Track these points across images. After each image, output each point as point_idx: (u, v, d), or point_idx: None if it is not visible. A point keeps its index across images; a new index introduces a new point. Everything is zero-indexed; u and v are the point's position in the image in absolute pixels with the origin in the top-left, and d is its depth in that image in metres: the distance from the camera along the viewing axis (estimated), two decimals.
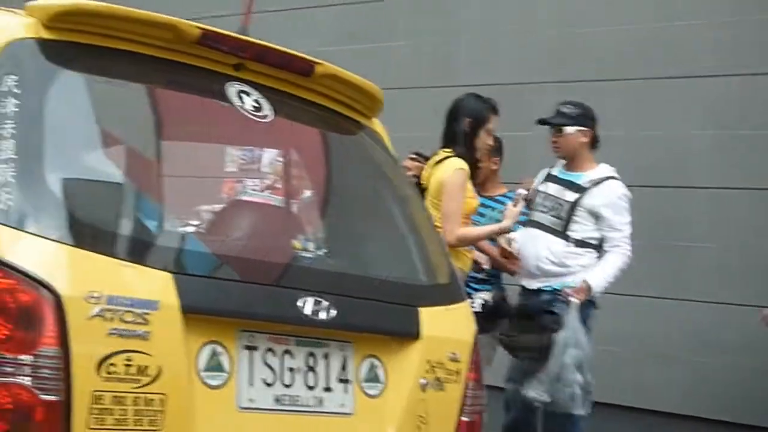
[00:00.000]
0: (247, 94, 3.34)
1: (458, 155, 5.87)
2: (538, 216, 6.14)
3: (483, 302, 6.10)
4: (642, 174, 7.08)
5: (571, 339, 5.75)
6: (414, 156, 7.49)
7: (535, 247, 6.06)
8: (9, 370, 2.58)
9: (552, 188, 6.15)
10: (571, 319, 5.79)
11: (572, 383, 5.74)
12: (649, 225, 6.68)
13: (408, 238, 3.72)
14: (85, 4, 3.02)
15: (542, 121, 6.24)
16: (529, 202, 6.17)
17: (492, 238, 6.21)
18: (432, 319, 3.43)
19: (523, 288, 6.19)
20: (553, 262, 6.01)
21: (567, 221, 6.01)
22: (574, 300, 5.83)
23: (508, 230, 5.96)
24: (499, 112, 6.06)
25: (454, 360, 3.48)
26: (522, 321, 5.99)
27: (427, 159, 7.28)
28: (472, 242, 5.94)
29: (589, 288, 5.90)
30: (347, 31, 9.24)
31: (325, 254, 3.61)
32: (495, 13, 8.58)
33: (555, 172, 6.24)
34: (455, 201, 5.76)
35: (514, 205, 5.89)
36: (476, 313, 5.61)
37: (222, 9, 8.17)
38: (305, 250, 3.54)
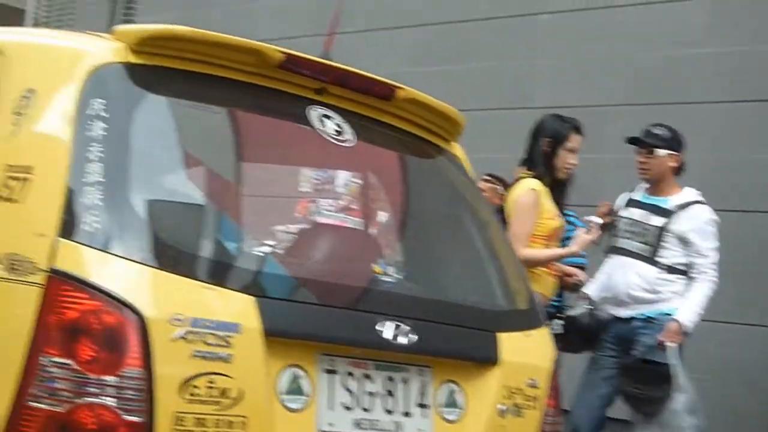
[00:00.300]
0: (329, 118, 3.35)
1: (537, 176, 5.83)
2: (623, 243, 6.01)
3: (574, 319, 5.93)
4: (727, 198, 6.97)
5: (676, 384, 5.68)
6: (487, 177, 7.45)
7: (625, 274, 5.94)
8: (93, 390, 2.61)
9: (636, 213, 6.02)
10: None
11: (684, 429, 5.65)
12: (734, 250, 6.57)
13: (487, 262, 3.71)
14: (172, 29, 3.06)
15: (633, 140, 6.09)
16: (606, 227, 6.06)
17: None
18: (511, 344, 3.41)
19: (614, 317, 6.09)
20: (644, 289, 5.90)
21: (656, 247, 5.89)
22: (671, 345, 5.75)
23: (575, 254, 5.88)
24: (583, 132, 5.99)
25: (533, 386, 3.46)
26: (638, 373, 5.86)
27: (501, 180, 7.26)
28: (538, 264, 5.71)
29: (680, 327, 5.80)
30: (426, 51, 9.24)
31: (404, 278, 3.60)
32: (572, 36, 8.53)
33: (637, 196, 6.11)
34: (523, 220, 5.68)
35: (587, 233, 5.81)
36: (567, 335, 5.57)
37: (299, 31, 8.27)
38: (385, 273, 3.54)
